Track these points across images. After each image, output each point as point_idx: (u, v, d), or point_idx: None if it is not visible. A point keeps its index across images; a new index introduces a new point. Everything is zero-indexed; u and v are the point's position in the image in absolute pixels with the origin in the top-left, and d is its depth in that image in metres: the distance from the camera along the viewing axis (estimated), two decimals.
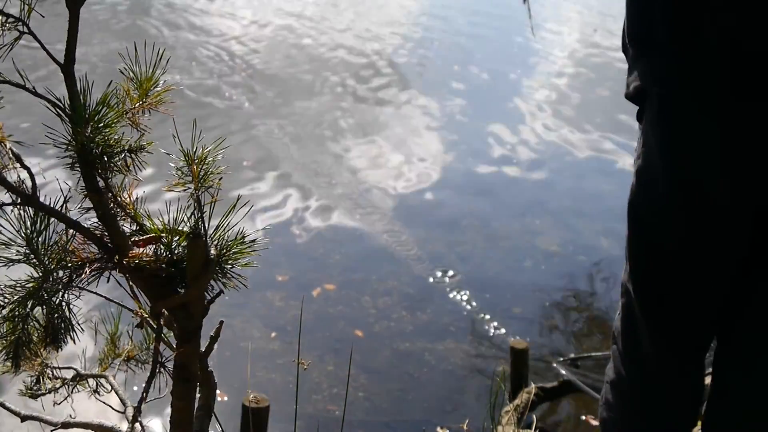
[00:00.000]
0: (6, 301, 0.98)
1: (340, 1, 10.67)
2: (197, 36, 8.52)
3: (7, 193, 0.95)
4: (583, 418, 3.48)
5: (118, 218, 1.01)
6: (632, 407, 1.62)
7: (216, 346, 1.15)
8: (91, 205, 0.99)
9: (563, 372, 3.64)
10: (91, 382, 1.33)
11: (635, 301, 1.53)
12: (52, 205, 0.97)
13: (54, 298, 0.99)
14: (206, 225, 0.99)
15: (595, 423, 3.44)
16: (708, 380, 1.63)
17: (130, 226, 1.04)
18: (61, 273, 1.00)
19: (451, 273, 4.61)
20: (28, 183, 0.96)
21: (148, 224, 1.04)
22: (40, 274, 0.99)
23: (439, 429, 3.22)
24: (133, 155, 0.98)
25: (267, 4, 10.13)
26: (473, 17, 10.45)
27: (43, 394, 1.28)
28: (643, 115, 1.48)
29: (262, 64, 7.91)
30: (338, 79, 7.73)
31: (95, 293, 1.05)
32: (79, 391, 1.32)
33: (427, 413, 3.49)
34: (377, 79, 7.84)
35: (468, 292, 4.41)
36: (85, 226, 1.00)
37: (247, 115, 6.66)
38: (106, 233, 1.00)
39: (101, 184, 0.98)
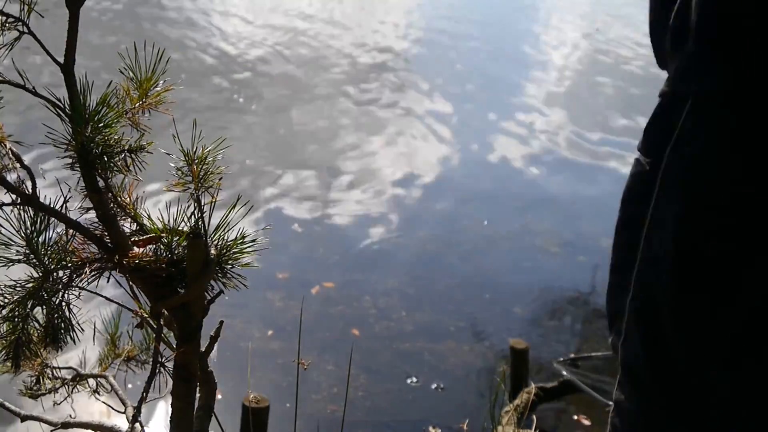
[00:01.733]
0: (6, 301, 0.98)
1: (342, 2, 10.67)
2: (192, 34, 8.53)
3: (7, 193, 0.95)
4: (575, 417, 3.48)
5: (118, 218, 1.01)
6: (652, 411, 1.60)
7: (216, 346, 1.15)
8: (91, 205, 0.99)
9: (563, 372, 3.64)
10: (91, 382, 1.33)
11: (668, 301, 1.49)
12: (52, 205, 0.97)
13: (54, 298, 0.99)
14: (206, 225, 0.99)
15: (587, 422, 3.44)
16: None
17: (130, 226, 1.04)
18: (61, 273, 1.00)
19: (451, 273, 4.61)
20: (28, 183, 0.96)
21: (148, 224, 1.04)
22: (40, 274, 0.99)
23: (431, 429, 3.22)
24: (133, 155, 0.98)
25: (267, 4, 10.13)
26: (476, 17, 10.44)
27: (43, 394, 1.28)
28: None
29: (262, 64, 7.91)
30: (341, 79, 7.72)
31: (95, 293, 1.04)
32: (79, 391, 1.32)
33: (427, 413, 3.49)
34: (379, 79, 7.84)
35: (468, 292, 4.41)
36: (85, 226, 1.00)
37: (247, 114, 6.65)
38: (106, 233, 1.00)
39: (101, 184, 0.98)
